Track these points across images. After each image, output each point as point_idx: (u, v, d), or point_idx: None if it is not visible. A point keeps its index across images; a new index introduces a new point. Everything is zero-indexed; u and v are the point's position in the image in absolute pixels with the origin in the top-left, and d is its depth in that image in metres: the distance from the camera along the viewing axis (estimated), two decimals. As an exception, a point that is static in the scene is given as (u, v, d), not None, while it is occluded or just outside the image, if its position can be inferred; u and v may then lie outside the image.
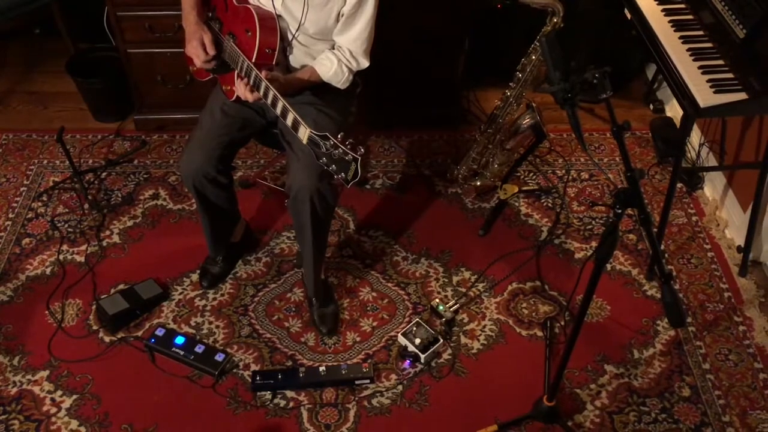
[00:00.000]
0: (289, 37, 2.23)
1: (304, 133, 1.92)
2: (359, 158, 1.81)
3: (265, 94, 2.08)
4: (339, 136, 1.84)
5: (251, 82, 2.12)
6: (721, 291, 2.71)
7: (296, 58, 2.30)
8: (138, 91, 3.15)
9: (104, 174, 3.08)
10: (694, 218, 2.98)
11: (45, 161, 3.14)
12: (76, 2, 3.41)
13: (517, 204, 3.01)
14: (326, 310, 2.57)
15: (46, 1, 3.24)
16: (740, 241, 2.79)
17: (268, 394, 2.37)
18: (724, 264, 2.80)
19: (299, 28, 2.19)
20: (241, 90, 2.15)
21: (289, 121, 2.00)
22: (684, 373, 2.47)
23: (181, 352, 2.43)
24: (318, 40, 2.25)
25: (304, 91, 2.29)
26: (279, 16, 2.19)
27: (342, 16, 2.18)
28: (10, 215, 2.90)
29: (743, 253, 2.75)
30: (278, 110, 2.04)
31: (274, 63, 2.20)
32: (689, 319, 2.62)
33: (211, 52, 2.24)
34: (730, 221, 2.92)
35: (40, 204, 2.95)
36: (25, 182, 3.04)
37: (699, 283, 2.74)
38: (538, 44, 2.62)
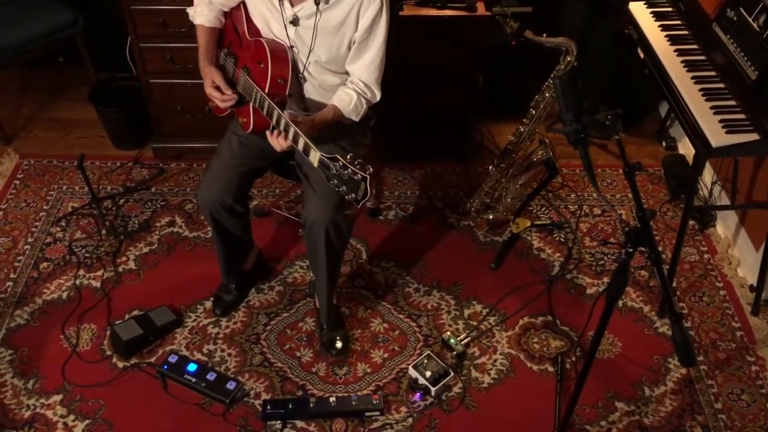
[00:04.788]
0: (301, 67, 2.28)
1: (314, 156, 1.96)
2: (368, 177, 1.83)
3: (278, 122, 2.11)
4: (348, 157, 1.87)
5: (264, 111, 2.16)
6: (733, 330, 2.70)
7: (308, 89, 2.35)
8: (157, 120, 3.22)
9: (122, 200, 3.13)
10: (706, 256, 2.98)
11: (64, 187, 3.19)
12: (100, 33, 3.49)
13: (529, 238, 3.03)
14: (336, 334, 2.59)
15: (64, 35, 3.30)
16: (753, 279, 2.78)
17: (278, 424, 2.38)
18: (737, 302, 2.80)
19: (310, 54, 2.24)
20: (273, 141, 2.13)
21: (300, 146, 2.04)
22: (696, 412, 2.45)
23: (193, 379, 2.44)
24: (330, 71, 2.30)
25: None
26: (292, 46, 2.24)
27: (354, 42, 2.23)
28: (29, 239, 2.95)
29: (756, 292, 2.74)
30: (290, 136, 2.08)
31: (287, 93, 2.24)
32: (701, 358, 2.61)
33: (227, 91, 2.29)
34: (743, 260, 2.92)
35: (58, 229, 3.00)
36: (44, 207, 3.09)
37: (711, 321, 2.74)
38: (551, 83, 2.65)
